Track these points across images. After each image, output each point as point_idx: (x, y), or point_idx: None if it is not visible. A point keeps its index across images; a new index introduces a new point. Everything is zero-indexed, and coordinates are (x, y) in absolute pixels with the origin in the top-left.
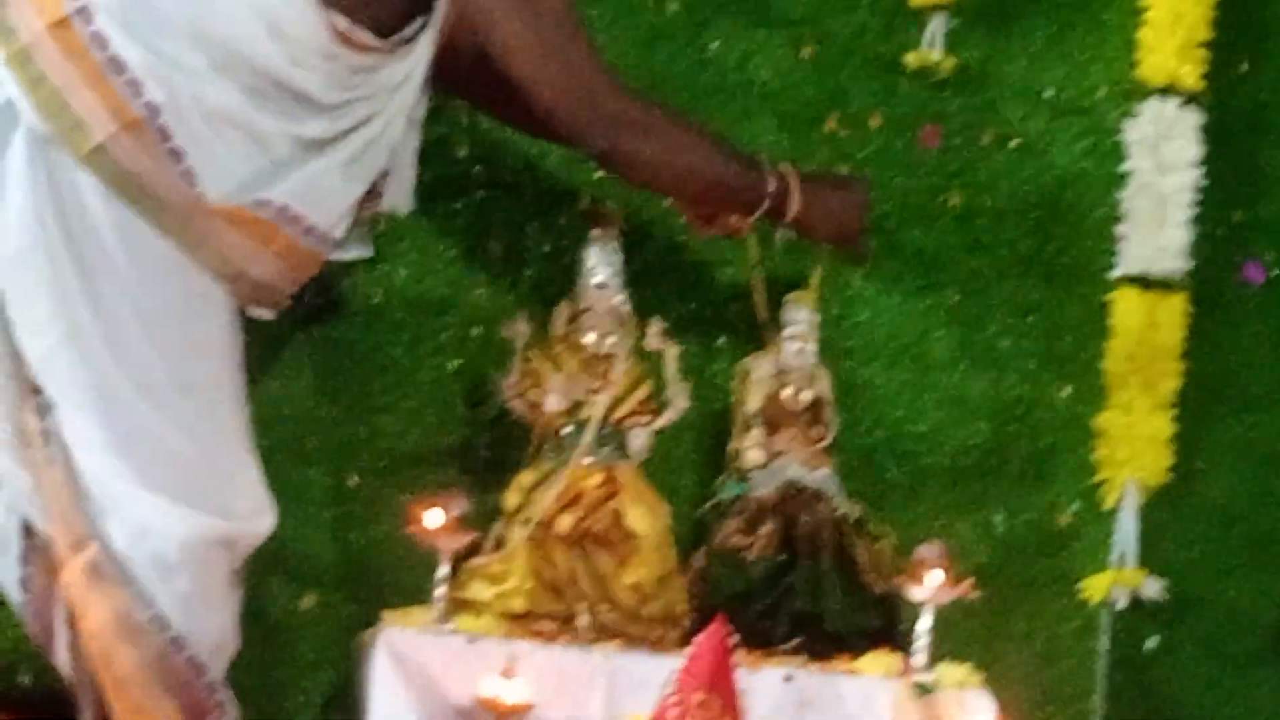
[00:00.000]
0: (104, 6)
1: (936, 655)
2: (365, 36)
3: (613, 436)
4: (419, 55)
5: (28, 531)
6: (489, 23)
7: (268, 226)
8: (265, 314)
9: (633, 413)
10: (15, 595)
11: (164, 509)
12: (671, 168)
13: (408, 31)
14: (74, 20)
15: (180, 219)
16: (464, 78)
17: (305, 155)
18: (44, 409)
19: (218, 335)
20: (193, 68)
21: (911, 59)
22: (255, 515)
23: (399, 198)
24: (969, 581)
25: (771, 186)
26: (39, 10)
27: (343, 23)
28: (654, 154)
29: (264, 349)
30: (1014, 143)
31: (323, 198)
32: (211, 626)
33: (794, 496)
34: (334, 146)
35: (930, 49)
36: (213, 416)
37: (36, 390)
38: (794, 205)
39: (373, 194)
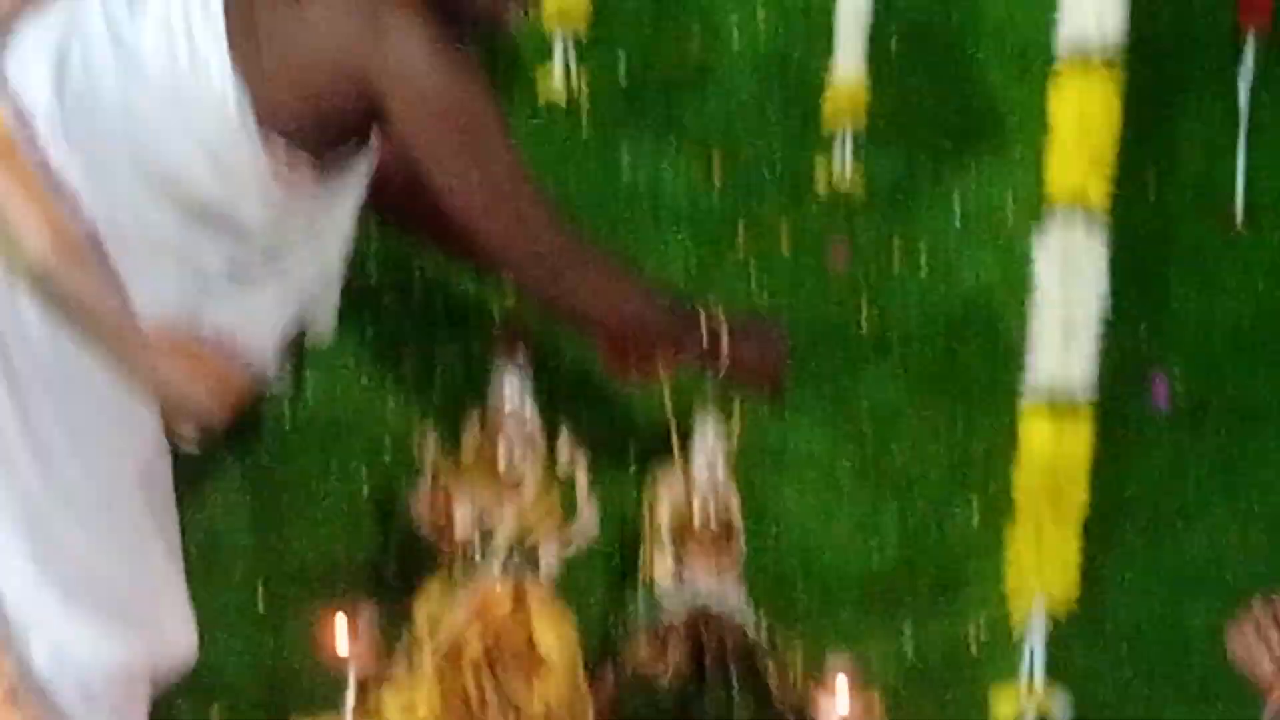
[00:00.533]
0: (45, 125)
1: None
2: (302, 164)
3: (522, 556)
4: (352, 183)
5: None
6: (432, 163)
7: (201, 352)
8: (192, 442)
9: (542, 530)
10: None
11: (90, 634)
12: (616, 311)
13: (343, 159)
14: (18, 141)
15: (114, 340)
16: (392, 202)
17: (239, 283)
18: None
19: (151, 462)
20: (133, 191)
21: (821, 176)
22: (181, 639)
23: (323, 322)
24: (877, 701)
25: (705, 331)
26: None
27: (280, 150)
28: (596, 297)
29: (176, 467)
30: (922, 260)
31: (257, 326)
32: None
33: (703, 615)
34: (267, 274)
35: (840, 169)
36: (141, 537)
37: None
38: (725, 350)
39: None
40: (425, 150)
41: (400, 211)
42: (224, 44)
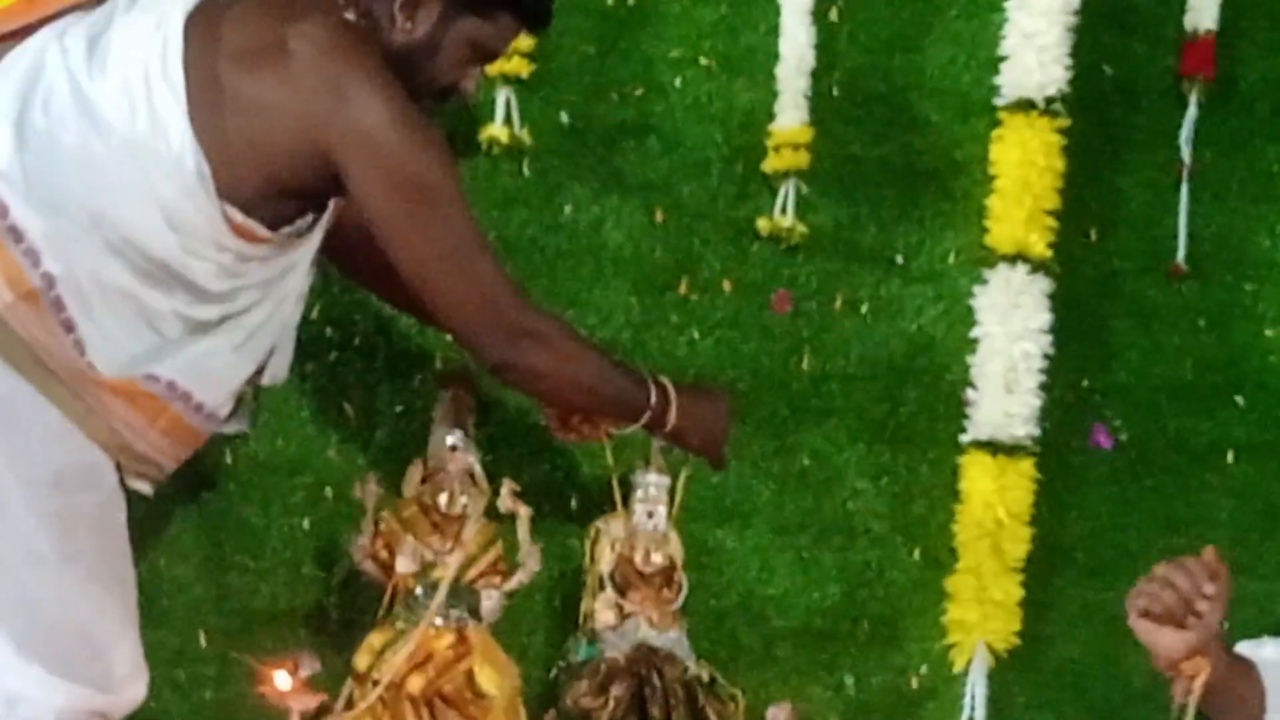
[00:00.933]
0: (5, 177)
1: None
2: (259, 230)
3: (464, 597)
4: (309, 246)
5: None
6: (388, 231)
7: (156, 401)
8: (145, 489)
9: (484, 573)
10: None
11: (41, 679)
12: (567, 380)
13: (300, 225)
14: None
15: (69, 389)
16: (346, 254)
17: (195, 335)
18: None
19: (102, 507)
20: (89, 245)
21: (763, 224)
22: (130, 685)
23: (279, 369)
24: None
25: (654, 399)
26: None
27: (238, 216)
28: (551, 367)
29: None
30: (865, 308)
31: (211, 376)
32: None
33: (645, 658)
34: (222, 328)
35: (782, 215)
36: (94, 587)
37: None
38: (672, 417)
39: (257, 371)
40: (382, 218)
41: (354, 263)
42: (184, 108)
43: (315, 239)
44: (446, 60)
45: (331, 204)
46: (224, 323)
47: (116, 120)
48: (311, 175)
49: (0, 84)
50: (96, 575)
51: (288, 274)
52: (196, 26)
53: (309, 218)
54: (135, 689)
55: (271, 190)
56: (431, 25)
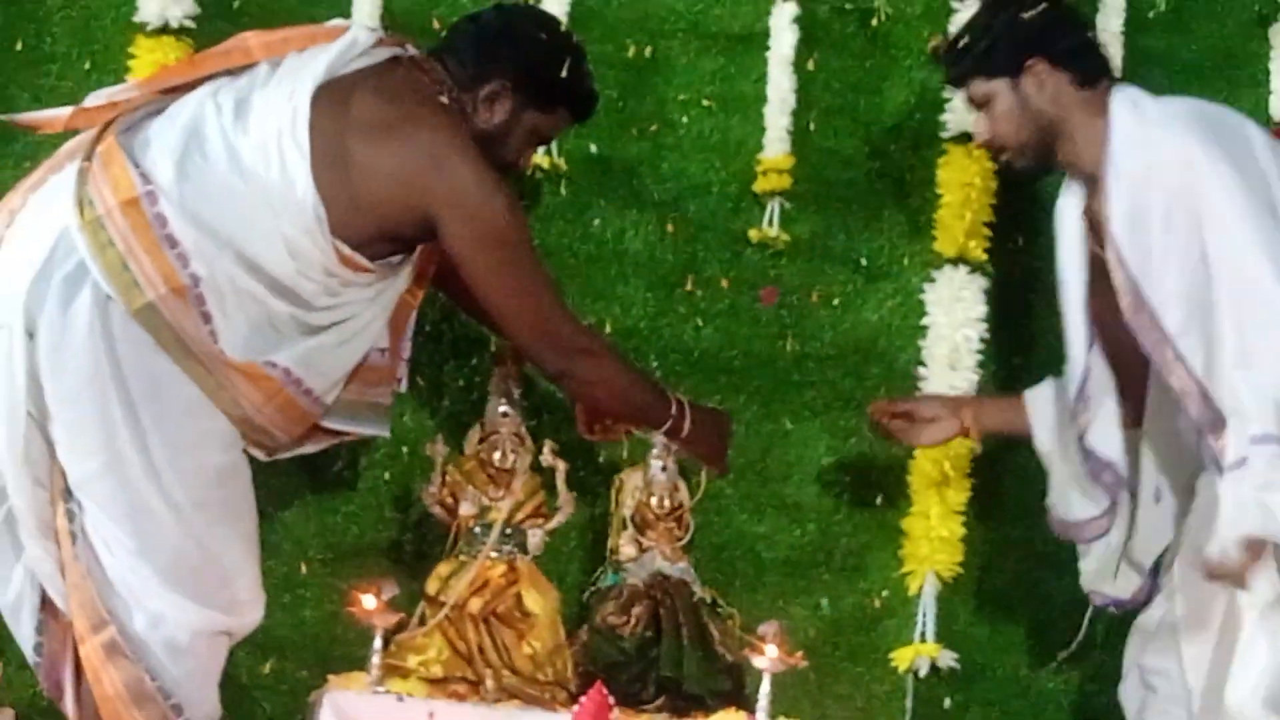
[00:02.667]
0: (166, 194)
1: (774, 712)
2: (361, 261)
3: (514, 535)
4: (400, 278)
5: (43, 604)
6: (467, 266)
7: (273, 383)
8: (260, 455)
9: (530, 516)
10: (31, 656)
11: (179, 604)
12: (610, 388)
13: (393, 260)
14: (142, 200)
15: (204, 368)
16: (447, 287)
17: (305, 334)
18: (73, 514)
19: (229, 465)
20: (226, 258)
21: (754, 234)
22: (250, 609)
23: (401, 377)
24: (800, 654)
25: (674, 410)
26: (114, 189)
27: (346, 250)
28: (597, 377)
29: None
30: (836, 301)
31: (318, 366)
32: (206, 698)
33: (660, 584)
34: (327, 331)
35: (769, 226)
36: (222, 529)
37: (66, 497)
38: (687, 426)
39: (385, 380)
40: (469, 263)
41: (452, 292)
42: (308, 165)
43: (404, 272)
44: (514, 143)
45: (420, 248)
46: (330, 328)
47: (255, 169)
48: (409, 225)
49: (167, 128)
50: (223, 520)
51: (381, 296)
52: (322, 100)
53: (400, 256)
54: (254, 612)
55: (375, 233)
56: (506, 116)
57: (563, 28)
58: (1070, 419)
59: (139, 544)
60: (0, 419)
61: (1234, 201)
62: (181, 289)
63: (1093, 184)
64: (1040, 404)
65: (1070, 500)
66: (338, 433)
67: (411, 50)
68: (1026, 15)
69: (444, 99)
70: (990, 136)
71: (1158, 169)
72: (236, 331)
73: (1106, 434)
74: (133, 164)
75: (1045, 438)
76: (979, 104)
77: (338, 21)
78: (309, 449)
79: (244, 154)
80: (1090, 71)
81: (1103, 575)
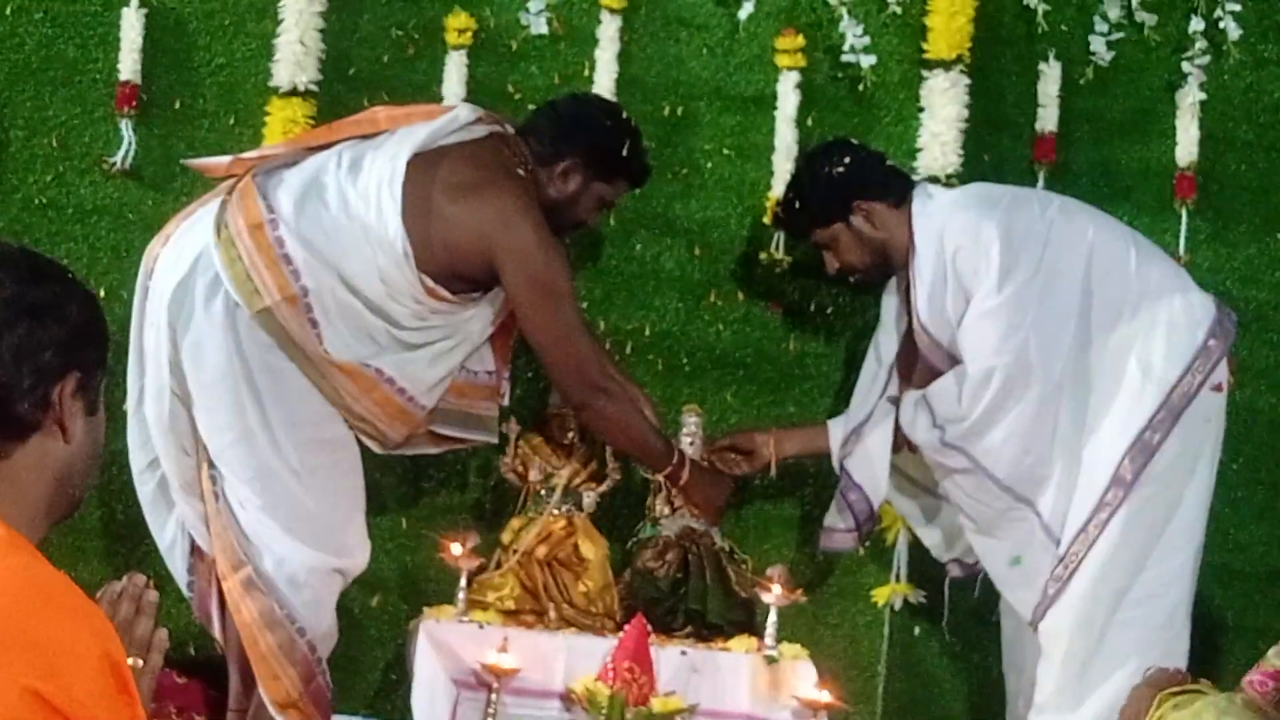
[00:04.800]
0: (285, 223)
1: (779, 638)
2: (443, 293)
3: (572, 496)
4: (483, 307)
5: (193, 548)
6: (520, 308)
7: (370, 380)
8: (375, 448)
9: (585, 481)
10: (185, 591)
11: (298, 549)
12: (619, 428)
13: (473, 295)
14: (266, 225)
15: (312, 364)
16: None
17: (400, 349)
18: (215, 478)
19: (337, 438)
20: (330, 278)
21: (764, 256)
22: (358, 553)
23: (504, 393)
24: (799, 591)
25: (675, 460)
26: (245, 215)
27: (430, 282)
28: (611, 416)
29: None
30: (829, 310)
31: (411, 375)
32: (322, 621)
33: (689, 535)
34: (419, 349)
35: (776, 250)
36: (334, 488)
37: (211, 464)
38: (683, 477)
39: (489, 396)
40: (521, 304)
41: None
42: (399, 213)
43: (484, 304)
44: (582, 209)
45: (496, 288)
46: (423, 346)
47: (358, 211)
48: (478, 268)
49: (295, 175)
50: (332, 481)
51: (468, 323)
52: (420, 161)
53: (478, 293)
54: (361, 555)
55: (451, 272)
56: (577, 187)
57: (624, 114)
58: (840, 445)
59: (264, 501)
60: (151, 398)
61: (991, 258)
62: (294, 298)
63: (907, 271)
64: (835, 433)
65: (830, 511)
66: (451, 438)
67: (507, 128)
68: (838, 170)
69: (521, 171)
70: (840, 266)
71: (944, 240)
72: (340, 336)
73: (863, 465)
74: (262, 197)
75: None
76: (823, 246)
77: (453, 104)
78: (430, 450)
79: (351, 199)
80: (900, 191)
81: (944, 547)
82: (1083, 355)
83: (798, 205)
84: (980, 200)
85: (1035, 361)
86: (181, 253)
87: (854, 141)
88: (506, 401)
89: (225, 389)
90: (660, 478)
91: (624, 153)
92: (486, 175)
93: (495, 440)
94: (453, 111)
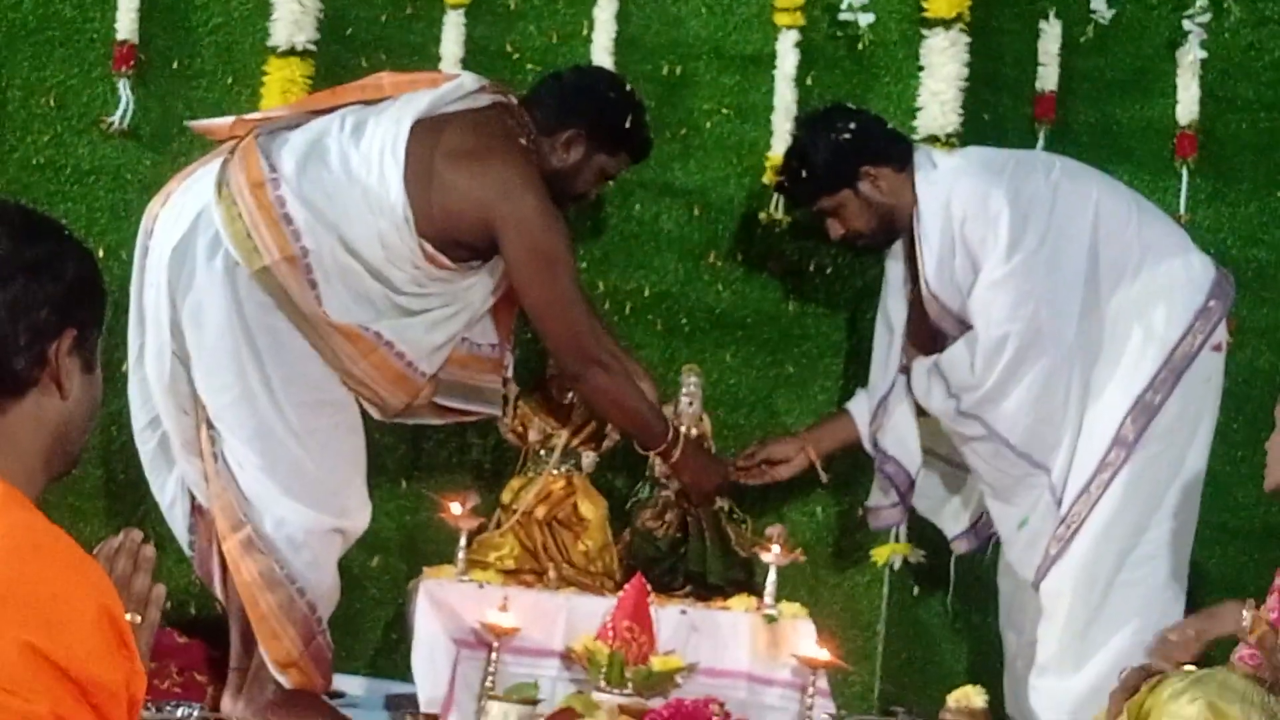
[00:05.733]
0: (287, 182)
1: (778, 598)
2: (443, 260)
3: (571, 456)
4: (483, 276)
5: (194, 506)
6: (517, 276)
7: (369, 344)
8: (375, 414)
9: (584, 441)
10: (186, 550)
11: (297, 509)
12: (611, 400)
13: (472, 264)
14: (267, 184)
15: (311, 325)
16: None
17: (397, 311)
18: (215, 439)
19: (336, 400)
20: (331, 239)
21: (763, 216)
22: (358, 514)
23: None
24: (799, 551)
25: (669, 436)
26: (247, 174)
27: (429, 248)
28: (604, 388)
29: None
30: (829, 269)
31: (410, 340)
32: (322, 581)
33: (688, 495)
34: (418, 315)
35: (775, 210)
36: (333, 448)
37: (210, 424)
38: (676, 454)
39: (493, 369)
40: (519, 273)
41: None
42: (400, 177)
43: (484, 273)
44: (583, 180)
45: (495, 257)
46: (421, 313)
47: (359, 174)
48: (477, 236)
49: (299, 136)
50: (332, 442)
51: (468, 291)
52: (422, 127)
53: (477, 262)
54: (361, 517)
55: (451, 239)
56: (579, 158)
57: (628, 86)
58: (868, 424)
59: (264, 461)
60: (151, 358)
61: (999, 227)
62: (293, 258)
63: (910, 236)
64: (860, 413)
65: (872, 490)
66: (454, 410)
67: (510, 98)
68: (844, 136)
69: (523, 140)
70: (845, 233)
71: (950, 207)
72: (338, 298)
73: (894, 436)
74: (264, 157)
75: (868, 442)
76: (829, 213)
77: (457, 73)
78: (432, 420)
79: (354, 162)
80: (902, 155)
81: (954, 521)
82: (1089, 319)
83: (804, 173)
84: (985, 167)
85: (1046, 329)
86: (182, 212)
87: (852, 106)
88: (510, 374)
89: (225, 349)
90: (653, 455)
91: (627, 125)
92: (488, 143)
93: (499, 413)
94: (457, 79)
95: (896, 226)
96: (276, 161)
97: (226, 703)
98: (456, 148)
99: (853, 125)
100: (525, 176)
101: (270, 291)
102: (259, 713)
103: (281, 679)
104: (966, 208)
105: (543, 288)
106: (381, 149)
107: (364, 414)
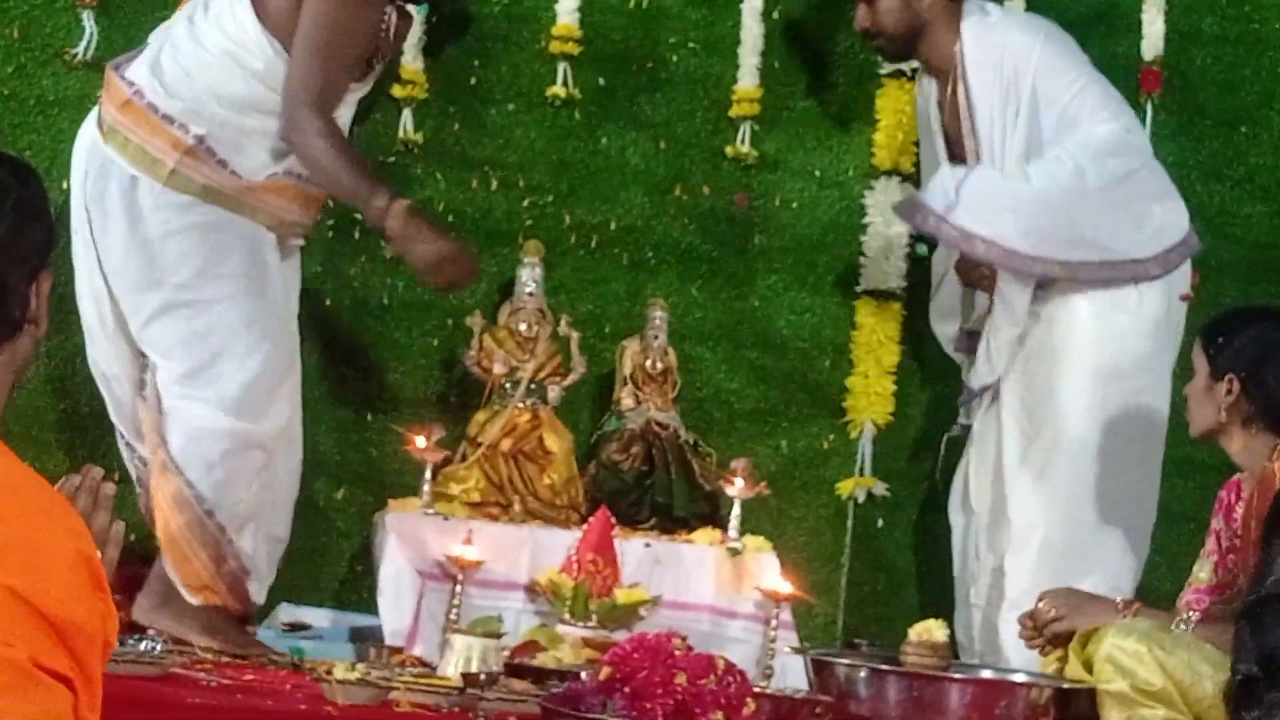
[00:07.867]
0: (149, 87)
1: (743, 531)
2: None
3: (537, 390)
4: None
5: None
6: (300, 28)
7: (290, 187)
8: (298, 242)
9: (550, 375)
10: (136, 488)
11: (214, 417)
12: (308, 157)
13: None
14: (133, 100)
15: (239, 198)
16: None
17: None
18: (145, 365)
19: (271, 280)
20: (216, 110)
21: (730, 150)
22: (276, 417)
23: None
24: (763, 485)
25: (380, 203)
26: (112, 98)
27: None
28: (301, 142)
29: (317, 334)
30: (795, 205)
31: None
32: (235, 503)
33: (653, 428)
34: None
35: (742, 144)
36: (263, 349)
37: (143, 354)
38: (391, 225)
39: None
40: (303, 13)
41: None
42: (254, 17)
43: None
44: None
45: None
46: None
47: (215, 39)
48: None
49: (150, 47)
50: (265, 339)
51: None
52: None
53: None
54: (283, 418)
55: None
56: None
57: None
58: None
59: (186, 371)
60: (88, 298)
61: (1067, 70)
62: (191, 149)
63: (944, 76)
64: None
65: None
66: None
67: None
68: None
69: None
70: (869, 25)
71: (1001, 55)
72: (251, 160)
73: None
74: (121, 78)
75: None
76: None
77: None
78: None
79: (204, 30)
80: None
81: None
82: None
83: None
84: (1050, 29)
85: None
86: (77, 153)
87: None
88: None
89: (133, 270)
90: (371, 225)
91: None
92: None
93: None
94: None
95: (919, 48)
96: (133, 77)
97: (135, 611)
98: None
99: None
100: None
101: (188, 189)
102: (149, 613)
103: (195, 603)
104: (1039, 62)
105: (310, 26)
106: (233, 7)
107: (322, 351)
